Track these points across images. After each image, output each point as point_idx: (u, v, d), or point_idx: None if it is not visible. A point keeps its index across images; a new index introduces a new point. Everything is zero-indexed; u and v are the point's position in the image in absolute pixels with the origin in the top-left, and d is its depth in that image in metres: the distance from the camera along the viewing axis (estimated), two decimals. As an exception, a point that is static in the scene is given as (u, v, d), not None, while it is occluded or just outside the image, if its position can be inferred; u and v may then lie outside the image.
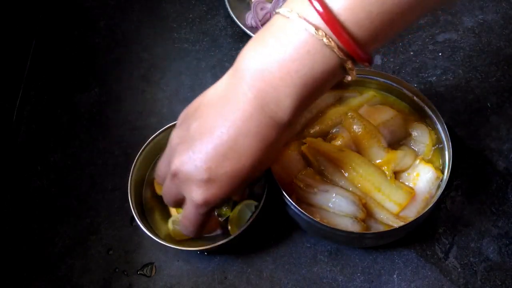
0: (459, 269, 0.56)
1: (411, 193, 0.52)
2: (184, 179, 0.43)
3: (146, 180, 0.61)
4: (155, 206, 0.60)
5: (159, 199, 0.60)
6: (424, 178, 0.53)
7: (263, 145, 0.41)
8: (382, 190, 0.52)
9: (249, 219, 0.53)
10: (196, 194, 0.43)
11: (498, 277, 0.55)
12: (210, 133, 0.41)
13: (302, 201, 0.53)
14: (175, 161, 0.43)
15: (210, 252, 0.59)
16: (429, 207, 0.50)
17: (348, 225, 0.51)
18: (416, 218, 0.49)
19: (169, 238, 0.57)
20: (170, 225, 0.58)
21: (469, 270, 0.56)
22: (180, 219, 0.49)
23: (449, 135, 0.53)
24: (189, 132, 0.43)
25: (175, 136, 0.46)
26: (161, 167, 0.49)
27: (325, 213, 0.53)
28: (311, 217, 0.50)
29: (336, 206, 0.52)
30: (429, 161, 0.55)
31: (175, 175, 0.44)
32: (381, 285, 0.55)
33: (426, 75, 0.69)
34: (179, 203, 0.48)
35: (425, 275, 0.56)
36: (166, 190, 0.48)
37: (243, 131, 0.40)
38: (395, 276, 0.56)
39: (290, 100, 0.38)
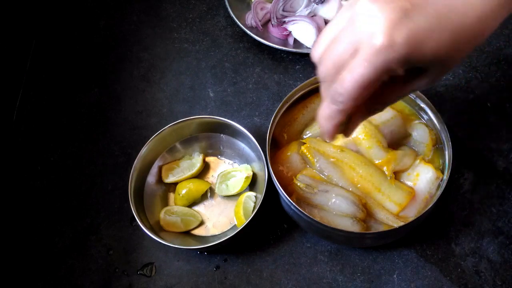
0: (459, 269, 0.56)
1: (411, 193, 0.52)
2: (372, 10, 0.32)
3: (152, 168, 0.61)
4: (156, 192, 0.61)
5: (162, 186, 0.62)
6: (424, 178, 0.54)
7: (479, 9, 0.33)
8: (382, 190, 0.52)
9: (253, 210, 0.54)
10: (383, 32, 0.31)
11: (498, 277, 0.55)
12: None
13: (302, 201, 0.53)
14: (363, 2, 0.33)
15: (210, 252, 0.59)
16: (429, 207, 0.50)
17: (348, 225, 0.51)
18: (416, 218, 0.49)
19: (157, 225, 0.58)
20: (162, 214, 0.59)
21: (469, 270, 0.55)
22: (338, 79, 0.34)
23: (449, 135, 0.53)
24: None
25: None
26: (331, 24, 0.35)
27: (325, 213, 0.53)
28: (311, 217, 0.50)
29: (336, 206, 0.52)
30: (429, 161, 0.55)
31: (359, 7, 0.33)
32: (381, 285, 0.55)
33: (426, 75, 0.69)
34: (341, 64, 0.34)
35: (425, 275, 0.56)
36: (331, 29, 0.35)
37: None
38: (395, 276, 0.56)
39: None
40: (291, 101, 0.58)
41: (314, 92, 0.59)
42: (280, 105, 0.56)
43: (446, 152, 0.54)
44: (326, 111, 0.36)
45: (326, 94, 0.36)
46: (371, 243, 0.56)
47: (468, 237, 0.57)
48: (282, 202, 0.55)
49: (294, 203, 0.50)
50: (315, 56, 0.36)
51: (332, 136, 0.39)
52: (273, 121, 0.56)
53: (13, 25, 0.76)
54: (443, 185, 0.52)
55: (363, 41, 0.32)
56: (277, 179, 0.52)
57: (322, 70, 0.35)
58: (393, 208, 0.52)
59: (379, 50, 0.32)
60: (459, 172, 0.61)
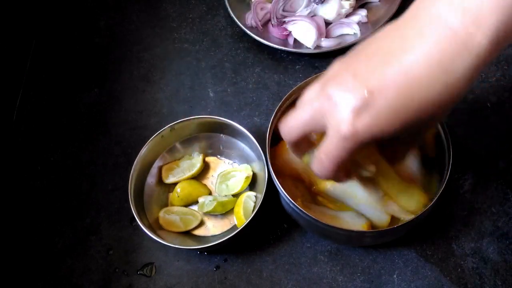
0: (459, 269, 0.56)
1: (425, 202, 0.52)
2: (335, 102, 0.36)
3: (152, 168, 0.61)
4: (156, 193, 0.61)
5: (162, 186, 0.62)
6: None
7: (445, 80, 0.34)
8: (399, 198, 0.52)
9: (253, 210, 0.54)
10: (346, 122, 0.35)
11: (498, 277, 0.55)
12: (381, 57, 0.35)
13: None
14: (331, 83, 0.37)
15: (210, 252, 0.59)
16: (428, 206, 0.50)
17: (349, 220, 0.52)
18: (416, 217, 0.49)
19: (157, 225, 0.58)
20: (161, 213, 0.59)
21: (469, 270, 0.55)
22: (316, 154, 0.41)
23: (449, 135, 0.53)
24: (351, 58, 0.37)
25: (334, 66, 0.39)
26: (307, 94, 0.40)
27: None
28: (310, 215, 0.50)
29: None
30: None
31: (328, 98, 0.36)
32: (381, 285, 0.55)
33: (426, 75, 0.69)
34: (306, 137, 0.42)
35: (425, 275, 0.56)
36: (299, 116, 0.40)
37: (423, 58, 0.33)
38: (395, 276, 0.56)
39: (495, 18, 0.32)
40: (291, 99, 0.58)
41: None
42: (279, 105, 0.56)
43: (446, 152, 0.54)
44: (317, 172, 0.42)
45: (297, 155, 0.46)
46: (370, 242, 0.56)
47: (468, 237, 0.57)
48: (282, 201, 0.55)
49: (292, 201, 0.50)
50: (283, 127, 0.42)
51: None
52: (273, 121, 0.56)
53: (13, 25, 0.76)
54: (443, 185, 0.52)
55: (329, 122, 0.37)
56: (276, 176, 0.52)
57: (287, 132, 0.42)
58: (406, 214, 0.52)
59: (345, 138, 0.36)
60: (459, 172, 0.61)
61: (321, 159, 0.40)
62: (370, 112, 0.35)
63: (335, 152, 0.38)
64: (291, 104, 0.58)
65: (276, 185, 0.52)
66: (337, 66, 0.38)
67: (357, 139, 0.36)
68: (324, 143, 0.39)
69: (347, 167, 0.42)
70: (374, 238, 0.53)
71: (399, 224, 0.49)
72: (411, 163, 0.55)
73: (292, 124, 0.41)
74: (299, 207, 0.50)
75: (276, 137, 0.58)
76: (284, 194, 0.51)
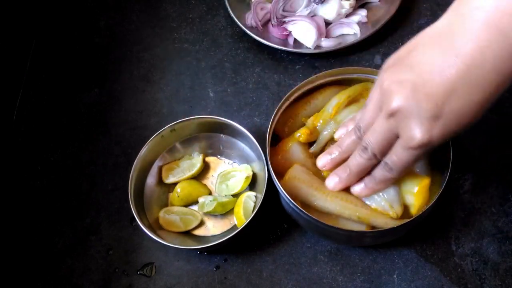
0: (459, 269, 0.56)
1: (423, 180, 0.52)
2: (403, 116, 0.39)
3: (152, 168, 0.61)
4: (156, 193, 0.61)
5: (162, 186, 0.62)
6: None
7: (500, 79, 0.37)
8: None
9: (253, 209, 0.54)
10: (417, 133, 0.39)
11: (498, 277, 0.55)
12: (436, 68, 0.38)
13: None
14: (395, 99, 0.39)
15: (210, 252, 0.59)
16: (428, 205, 0.50)
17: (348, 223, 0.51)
18: (416, 217, 0.49)
19: (157, 225, 0.58)
20: (161, 213, 0.59)
21: (469, 270, 0.55)
22: (380, 167, 0.46)
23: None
24: (408, 70, 0.39)
25: (386, 79, 0.41)
26: (366, 115, 0.45)
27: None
28: (310, 215, 0.50)
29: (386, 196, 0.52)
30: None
31: (392, 114, 0.40)
32: (381, 285, 0.55)
33: (426, 75, 0.69)
34: (383, 151, 0.44)
35: (425, 275, 0.56)
36: (373, 135, 0.44)
37: (477, 62, 0.36)
38: (395, 276, 0.56)
39: None
40: (291, 99, 0.58)
41: (315, 89, 0.58)
42: (279, 104, 0.56)
43: (446, 152, 0.54)
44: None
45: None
46: (370, 242, 0.56)
47: (468, 237, 0.57)
48: (282, 201, 0.55)
49: (292, 201, 0.50)
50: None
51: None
52: (273, 120, 0.56)
53: (13, 25, 0.76)
54: (443, 184, 0.52)
55: (404, 135, 0.41)
56: (276, 176, 0.52)
57: (374, 146, 0.45)
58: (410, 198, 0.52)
59: (421, 145, 0.40)
60: (459, 172, 0.61)
61: (393, 160, 0.44)
62: (440, 122, 0.38)
63: (407, 159, 0.43)
64: (291, 104, 0.58)
65: (276, 185, 0.52)
66: (388, 80, 0.41)
67: (432, 144, 0.40)
68: (396, 147, 0.43)
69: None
70: (374, 238, 0.53)
71: (399, 224, 0.49)
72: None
73: (377, 139, 0.44)
74: (299, 207, 0.50)
75: (276, 137, 0.58)
76: (284, 194, 0.51)
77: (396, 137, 0.42)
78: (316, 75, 0.57)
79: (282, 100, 0.57)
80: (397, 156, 0.43)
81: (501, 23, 0.35)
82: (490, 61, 0.36)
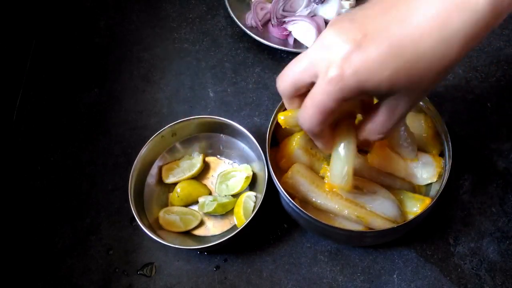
0: (459, 269, 0.56)
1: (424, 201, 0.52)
2: (327, 46, 0.35)
3: (152, 168, 0.61)
4: (156, 193, 0.61)
5: (162, 186, 0.62)
6: (426, 177, 0.54)
7: (441, 36, 0.33)
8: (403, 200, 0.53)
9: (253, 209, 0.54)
10: (335, 64, 0.34)
11: (498, 277, 0.55)
12: (381, 8, 0.34)
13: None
14: (328, 28, 0.36)
15: (210, 252, 0.59)
16: (428, 206, 0.50)
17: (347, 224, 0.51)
18: (415, 217, 0.49)
19: (157, 225, 0.58)
20: (161, 213, 0.59)
21: (469, 270, 0.56)
22: (302, 106, 0.39)
23: (449, 135, 0.53)
24: (357, 9, 0.36)
25: (338, 16, 0.38)
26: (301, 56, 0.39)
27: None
28: (310, 215, 0.50)
29: (381, 208, 0.52)
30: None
31: (320, 40, 0.36)
32: (381, 285, 0.55)
33: (426, 75, 0.69)
34: (300, 91, 0.40)
35: (425, 275, 0.56)
36: (292, 68, 0.39)
37: (423, 15, 0.32)
38: (395, 276, 0.56)
39: None
40: None
41: None
42: (279, 105, 0.56)
43: (446, 153, 0.54)
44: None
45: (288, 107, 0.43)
46: (371, 242, 0.56)
47: (468, 237, 0.57)
48: (282, 201, 0.55)
49: (293, 201, 0.50)
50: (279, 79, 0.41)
51: (325, 149, 0.44)
52: (273, 121, 0.56)
53: (13, 25, 0.76)
54: (443, 185, 0.52)
55: (320, 69, 0.36)
56: (276, 176, 0.52)
57: (281, 86, 0.40)
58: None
59: (331, 80, 0.35)
60: (459, 172, 0.61)
61: (306, 105, 0.38)
62: (360, 55, 0.34)
63: (320, 97, 0.36)
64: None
65: (276, 185, 0.52)
66: (340, 16, 0.37)
67: (344, 83, 0.35)
68: (312, 89, 0.38)
69: (331, 121, 0.40)
70: (374, 238, 0.53)
71: (399, 224, 0.50)
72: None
73: (287, 74, 0.40)
74: (299, 207, 0.50)
75: (276, 137, 0.58)
76: (284, 194, 0.51)
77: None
78: None
79: (281, 102, 0.57)
80: (314, 89, 0.37)
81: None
82: (440, 23, 0.33)
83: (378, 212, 0.52)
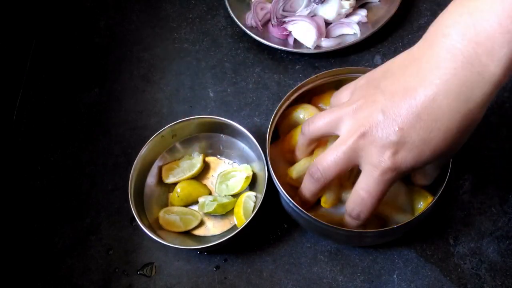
0: (459, 269, 0.56)
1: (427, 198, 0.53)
2: (370, 141, 0.40)
3: (152, 168, 0.61)
4: (156, 193, 0.61)
5: (162, 186, 0.62)
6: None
7: (465, 107, 0.37)
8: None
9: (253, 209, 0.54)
10: (383, 158, 0.40)
11: (498, 277, 0.55)
12: (403, 92, 0.38)
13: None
14: (363, 122, 0.41)
15: (210, 252, 0.59)
16: (428, 206, 0.50)
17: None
18: (416, 217, 0.49)
19: (157, 225, 0.58)
20: (161, 213, 0.59)
21: (469, 270, 0.55)
22: (351, 196, 0.45)
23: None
24: (377, 91, 0.40)
25: (357, 94, 0.43)
26: (321, 122, 0.46)
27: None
28: (309, 215, 0.50)
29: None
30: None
31: (362, 136, 0.41)
32: (381, 285, 0.55)
33: (426, 75, 0.69)
34: (325, 137, 0.47)
35: (425, 275, 0.56)
36: (339, 155, 0.43)
37: (442, 90, 0.37)
38: (395, 276, 0.56)
39: (506, 50, 0.34)
40: (291, 99, 0.58)
41: (315, 89, 0.58)
42: (279, 105, 0.56)
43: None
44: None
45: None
46: (370, 242, 0.56)
47: (468, 237, 0.57)
48: (282, 201, 0.55)
49: (292, 201, 0.50)
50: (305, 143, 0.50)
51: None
52: (273, 121, 0.56)
53: (13, 25, 0.76)
54: (443, 185, 0.52)
55: (369, 162, 0.41)
56: (275, 174, 0.52)
57: (310, 129, 0.47)
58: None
59: (386, 171, 0.40)
60: (459, 172, 0.61)
61: (362, 196, 0.43)
62: (405, 146, 0.39)
63: (377, 187, 0.42)
64: (291, 104, 0.58)
65: (276, 185, 0.52)
66: (361, 96, 0.42)
67: (398, 171, 0.40)
68: (361, 180, 0.43)
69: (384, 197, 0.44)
70: (374, 238, 0.53)
71: (399, 224, 0.49)
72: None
73: (329, 164, 0.44)
74: (299, 207, 0.50)
75: (278, 132, 0.58)
76: (284, 194, 0.51)
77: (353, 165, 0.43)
78: (316, 75, 0.57)
79: (282, 100, 0.57)
80: (364, 181, 0.43)
81: (467, 51, 0.36)
82: (455, 89, 0.37)
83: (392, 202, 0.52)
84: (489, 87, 0.37)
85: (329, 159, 0.44)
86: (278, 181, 0.52)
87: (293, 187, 0.54)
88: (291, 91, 0.57)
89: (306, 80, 0.58)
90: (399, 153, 0.39)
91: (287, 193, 0.51)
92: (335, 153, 0.43)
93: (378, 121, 0.40)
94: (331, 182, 0.46)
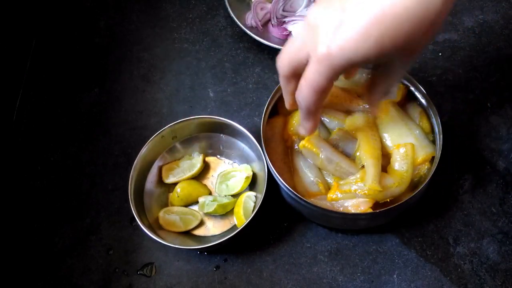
0: (459, 269, 0.56)
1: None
2: (313, 26, 0.37)
3: (152, 168, 0.61)
4: (156, 193, 0.61)
5: (162, 186, 0.62)
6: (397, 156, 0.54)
7: (419, 7, 0.34)
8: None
9: (253, 209, 0.54)
10: (322, 43, 0.37)
11: (498, 277, 0.55)
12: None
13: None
14: (311, 11, 0.38)
15: (210, 252, 0.59)
16: (419, 188, 0.50)
17: None
18: (410, 198, 0.50)
19: (157, 225, 0.58)
20: (161, 213, 0.59)
21: (469, 270, 0.56)
22: (298, 86, 0.42)
23: (449, 135, 0.53)
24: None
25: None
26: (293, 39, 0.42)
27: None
28: (305, 199, 0.51)
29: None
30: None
31: (310, 26, 0.38)
32: (381, 285, 0.55)
33: (426, 75, 0.69)
34: (296, 70, 0.42)
35: (425, 275, 0.56)
36: (287, 49, 0.42)
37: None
38: (395, 276, 0.56)
39: None
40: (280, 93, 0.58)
41: None
42: (271, 96, 0.57)
43: (437, 132, 0.54)
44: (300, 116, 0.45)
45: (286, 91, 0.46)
46: (366, 224, 0.56)
47: (468, 237, 0.57)
48: (282, 192, 0.55)
49: (287, 186, 0.51)
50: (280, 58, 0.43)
51: (311, 131, 0.47)
52: (265, 115, 0.56)
53: (13, 25, 0.76)
54: (433, 168, 0.52)
55: (310, 48, 0.38)
56: (266, 147, 0.53)
57: (279, 65, 0.43)
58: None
59: (320, 60, 0.37)
60: (459, 172, 0.61)
61: (301, 86, 0.41)
62: (343, 32, 0.35)
63: (312, 77, 0.39)
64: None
65: (277, 179, 0.52)
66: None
67: (332, 61, 0.37)
68: (305, 71, 0.40)
69: (323, 97, 0.42)
70: (368, 220, 0.54)
71: (391, 206, 0.50)
72: None
73: (283, 56, 0.43)
74: (298, 195, 0.51)
75: (277, 109, 0.59)
76: (284, 185, 0.52)
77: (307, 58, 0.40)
78: None
79: (272, 94, 0.57)
80: (306, 71, 0.40)
81: None
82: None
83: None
84: None
85: (283, 51, 0.42)
86: (267, 151, 0.53)
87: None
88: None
89: None
90: (336, 39, 0.36)
91: (285, 181, 0.52)
92: (288, 44, 0.42)
93: (323, 4, 0.37)
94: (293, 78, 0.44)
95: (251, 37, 0.71)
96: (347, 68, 0.38)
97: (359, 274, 0.56)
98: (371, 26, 0.35)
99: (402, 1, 0.34)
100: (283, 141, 0.58)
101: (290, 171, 0.57)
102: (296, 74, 0.43)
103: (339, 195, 0.52)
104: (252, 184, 0.61)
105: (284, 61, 0.43)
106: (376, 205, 0.52)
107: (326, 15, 0.37)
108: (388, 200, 0.52)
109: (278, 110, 0.60)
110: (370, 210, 0.51)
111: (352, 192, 0.52)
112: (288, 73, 0.43)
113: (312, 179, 0.56)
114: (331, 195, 0.52)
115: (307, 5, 0.72)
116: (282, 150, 0.58)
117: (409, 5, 0.34)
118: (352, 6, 0.35)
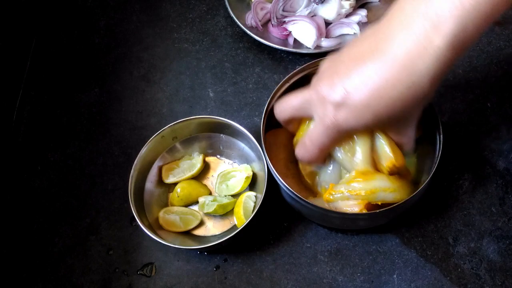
0: (459, 269, 0.56)
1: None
2: (320, 97, 0.44)
3: (152, 169, 0.61)
4: (156, 193, 0.61)
5: (162, 186, 0.62)
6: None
7: (408, 80, 0.39)
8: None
9: (253, 209, 0.54)
10: (330, 115, 0.43)
11: (498, 277, 0.55)
12: (358, 58, 0.42)
13: None
14: (319, 83, 0.44)
15: (210, 252, 0.59)
16: (419, 189, 0.50)
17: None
18: (409, 199, 0.50)
19: (157, 225, 0.58)
20: (161, 213, 0.59)
21: (469, 270, 0.56)
22: (301, 139, 0.50)
23: (449, 135, 0.53)
24: (338, 59, 0.44)
25: (325, 63, 0.47)
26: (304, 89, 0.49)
27: None
28: (305, 199, 0.51)
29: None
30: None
31: (316, 91, 0.45)
32: (381, 285, 0.55)
33: (426, 75, 0.69)
34: (294, 119, 0.52)
35: (425, 275, 0.56)
36: (291, 103, 0.50)
37: (390, 60, 0.40)
38: (395, 276, 0.56)
39: (452, 25, 0.37)
40: (281, 90, 0.58)
41: (305, 78, 0.58)
42: (269, 100, 0.57)
43: (437, 136, 0.54)
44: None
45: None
46: (365, 225, 0.56)
47: (468, 237, 0.57)
48: (282, 192, 0.55)
49: (287, 185, 0.51)
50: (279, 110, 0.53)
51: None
52: (265, 115, 0.56)
53: (13, 25, 0.76)
54: (434, 167, 0.52)
55: (317, 116, 0.46)
56: (270, 159, 0.53)
57: (279, 113, 0.52)
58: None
59: (328, 127, 0.45)
60: (459, 172, 0.61)
61: (305, 143, 0.49)
62: (347, 107, 0.42)
63: (319, 138, 0.47)
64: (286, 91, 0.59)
65: (277, 179, 0.52)
66: (327, 64, 0.46)
67: (338, 128, 0.44)
68: (310, 130, 0.48)
69: (326, 153, 0.50)
70: (368, 220, 0.54)
71: (391, 206, 0.50)
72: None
73: (285, 107, 0.51)
74: (298, 195, 0.51)
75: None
76: (284, 185, 0.52)
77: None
78: (306, 64, 0.58)
79: (272, 93, 0.57)
80: (311, 130, 0.48)
81: (417, 26, 0.38)
82: (401, 62, 0.39)
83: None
84: (433, 62, 0.38)
85: (286, 103, 0.51)
86: (272, 163, 0.53)
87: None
88: (281, 82, 0.57)
89: (295, 70, 0.58)
90: (341, 111, 0.43)
91: (278, 173, 0.52)
92: (291, 99, 0.49)
93: (331, 81, 0.43)
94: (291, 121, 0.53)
95: (251, 37, 0.71)
96: (349, 133, 0.47)
97: (359, 274, 0.56)
98: (370, 105, 0.42)
99: (397, 86, 0.40)
100: (286, 149, 0.58)
101: (293, 176, 0.57)
102: (293, 120, 0.52)
103: (334, 196, 0.52)
104: (252, 184, 0.61)
105: (286, 112, 0.51)
106: (375, 205, 0.52)
107: (332, 92, 0.43)
108: (380, 203, 0.52)
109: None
110: (365, 211, 0.51)
111: (344, 193, 0.52)
112: (287, 120, 0.52)
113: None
114: (327, 195, 0.52)
115: (307, 5, 0.72)
116: (284, 157, 0.58)
117: (401, 90, 0.40)
118: (353, 88, 0.41)
